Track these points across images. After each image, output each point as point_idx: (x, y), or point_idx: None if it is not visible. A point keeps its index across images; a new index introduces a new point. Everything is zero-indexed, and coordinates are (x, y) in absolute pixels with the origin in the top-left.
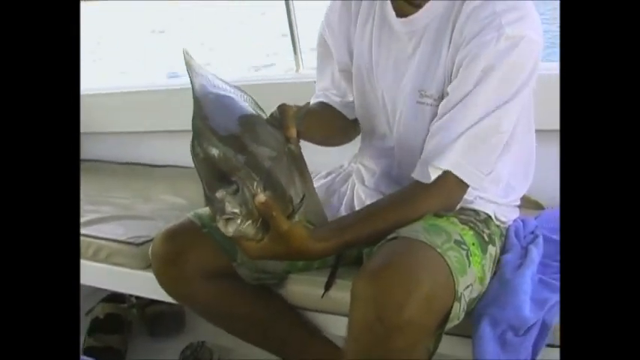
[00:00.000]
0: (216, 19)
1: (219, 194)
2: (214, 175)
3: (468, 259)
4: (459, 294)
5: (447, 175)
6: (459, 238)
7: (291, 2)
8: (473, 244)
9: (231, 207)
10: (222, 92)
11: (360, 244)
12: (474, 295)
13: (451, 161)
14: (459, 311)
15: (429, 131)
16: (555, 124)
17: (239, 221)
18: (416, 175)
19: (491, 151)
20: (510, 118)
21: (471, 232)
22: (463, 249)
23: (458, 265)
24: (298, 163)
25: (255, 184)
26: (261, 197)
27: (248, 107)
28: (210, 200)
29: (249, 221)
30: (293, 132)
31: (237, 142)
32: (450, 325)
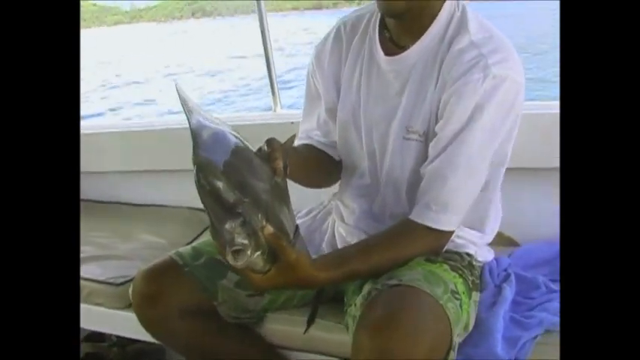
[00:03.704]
0: None
1: (229, 225)
2: (221, 207)
3: (461, 307)
4: (454, 343)
5: None
6: (453, 287)
7: (268, 41)
8: (463, 292)
9: (241, 238)
10: (215, 126)
11: (359, 277)
12: (460, 340)
13: (452, 221)
14: (453, 359)
15: (414, 166)
16: (528, 162)
17: (249, 252)
18: (415, 216)
19: (489, 195)
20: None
21: (461, 280)
22: (457, 299)
23: (455, 316)
24: (284, 195)
25: (260, 215)
26: (270, 228)
27: (239, 141)
28: (218, 232)
29: (258, 252)
30: (280, 165)
31: (237, 175)
32: None
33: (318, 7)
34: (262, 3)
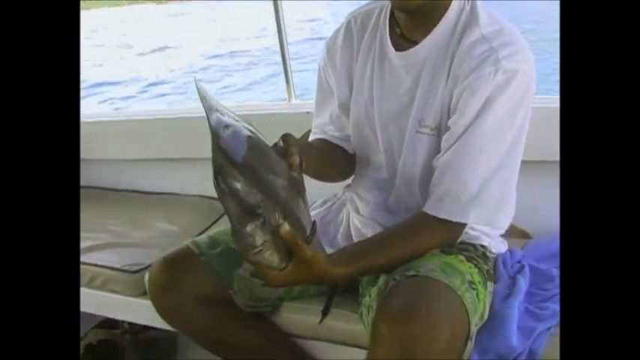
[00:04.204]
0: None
1: (250, 228)
2: (241, 209)
3: (478, 297)
4: (472, 332)
5: None
6: (470, 278)
7: (284, 32)
8: (479, 282)
9: (261, 239)
10: (234, 123)
11: (374, 272)
12: (476, 330)
13: (465, 213)
14: (470, 349)
15: (426, 159)
16: (542, 155)
17: (269, 251)
18: (428, 208)
19: (502, 187)
20: (517, 152)
21: (476, 270)
22: (473, 289)
23: (472, 307)
24: (300, 189)
25: (277, 214)
26: (286, 227)
27: (256, 137)
28: (239, 234)
29: (276, 250)
30: (297, 160)
31: (255, 173)
32: None
33: None
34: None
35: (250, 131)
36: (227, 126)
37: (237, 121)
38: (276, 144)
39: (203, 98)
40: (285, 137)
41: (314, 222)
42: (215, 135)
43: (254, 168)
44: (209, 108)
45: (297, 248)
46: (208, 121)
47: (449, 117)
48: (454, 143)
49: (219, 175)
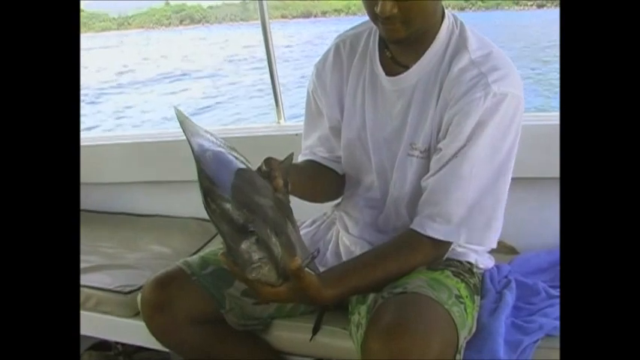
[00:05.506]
0: None
1: (245, 245)
2: (234, 228)
3: (466, 311)
4: (460, 346)
5: None
6: (457, 292)
7: (272, 54)
8: (466, 296)
9: (257, 255)
10: (217, 148)
11: (364, 291)
12: (465, 343)
13: (454, 232)
14: None
15: (415, 181)
16: (528, 172)
17: (267, 268)
18: (417, 226)
19: (492, 207)
20: (507, 172)
21: (463, 285)
22: (461, 302)
23: (460, 320)
24: (287, 211)
25: (269, 230)
26: (298, 261)
27: (240, 161)
28: (234, 253)
29: (272, 266)
30: (280, 182)
31: (243, 195)
32: None
33: (307, 16)
34: (266, 15)
35: (234, 156)
36: (210, 152)
37: (219, 145)
38: (259, 168)
39: (182, 124)
40: (268, 161)
41: (317, 250)
42: (199, 161)
43: (241, 191)
44: (190, 134)
45: (298, 279)
46: (191, 148)
47: (437, 140)
48: (445, 165)
49: (208, 196)
